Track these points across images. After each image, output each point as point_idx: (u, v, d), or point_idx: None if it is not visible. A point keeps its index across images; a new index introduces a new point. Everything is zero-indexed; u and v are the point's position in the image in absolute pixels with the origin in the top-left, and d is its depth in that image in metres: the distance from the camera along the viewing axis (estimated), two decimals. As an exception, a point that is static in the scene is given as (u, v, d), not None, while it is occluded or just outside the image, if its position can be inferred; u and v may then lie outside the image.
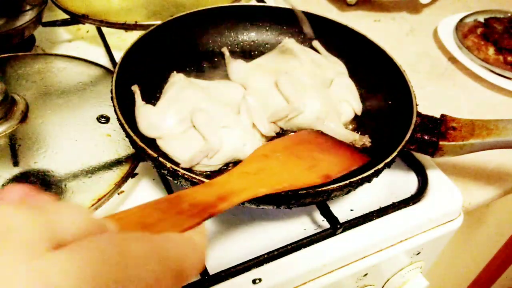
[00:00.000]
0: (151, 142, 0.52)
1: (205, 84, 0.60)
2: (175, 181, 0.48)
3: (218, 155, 0.51)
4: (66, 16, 0.75)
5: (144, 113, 0.53)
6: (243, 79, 0.61)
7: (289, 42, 0.67)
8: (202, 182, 0.44)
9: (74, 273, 0.18)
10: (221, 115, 0.53)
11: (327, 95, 0.59)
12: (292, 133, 0.56)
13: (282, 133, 0.58)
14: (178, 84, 0.57)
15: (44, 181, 0.51)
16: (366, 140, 0.56)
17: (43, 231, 0.19)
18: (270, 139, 0.55)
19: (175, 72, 0.61)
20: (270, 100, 0.57)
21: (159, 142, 0.52)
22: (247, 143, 0.52)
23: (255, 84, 0.60)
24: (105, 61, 0.71)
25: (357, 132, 0.58)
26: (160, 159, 0.45)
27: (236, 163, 0.54)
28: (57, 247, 0.19)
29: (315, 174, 0.43)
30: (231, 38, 0.72)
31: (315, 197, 0.45)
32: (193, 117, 0.52)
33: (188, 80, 0.59)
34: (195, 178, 0.44)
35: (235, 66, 0.63)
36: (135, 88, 0.56)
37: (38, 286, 0.17)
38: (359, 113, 0.61)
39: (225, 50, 0.67)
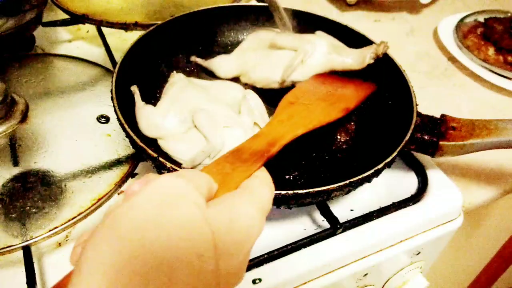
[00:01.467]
0: (151, 142, 0.52)
1: (205, 84, 0.60)
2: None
3: (220, 155, 0.51)
4: (66, 16, 0.75)
5: (145, 114, 0.53)
6: (236, 70, 0.61)
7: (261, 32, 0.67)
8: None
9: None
10: (222, 115, 0.53)
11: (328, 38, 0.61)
12: (304, 80, 0.56)
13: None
14: (178, 84, 0.57)
15: (44, 181, 0.51)
16: (383, 45, 0.58)
17: (199, 191, 0.28)
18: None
19: (175, 72, 0.61)
20: (274, 60, 0.58)
21: (160, 143, 0.52)
22: None
23: (251, 63, 0.60)
24: (105, 61, 0.71)
25: (357, 131, 0.58)
26: (160, 159, 0.45)
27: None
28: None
29: (337, 109, 0.50)
30: (231, 38, 0.72)
31: (315, 197, 0.45)
32: (195, 117, 0.52)
33: (188, 80, 0.59)
34: (195, 178, 0.44)
35: (219, 61, 0.62)
36: (135, 89, 0.56)
37: (214, 226, 0.26)
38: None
39: (194, 59, 0.65)
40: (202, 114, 0.52)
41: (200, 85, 0.59)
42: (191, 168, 0.50)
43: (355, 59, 0.59)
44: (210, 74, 0.65)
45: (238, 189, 0.32)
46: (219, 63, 0.62)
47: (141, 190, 0.26)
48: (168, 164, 0.45)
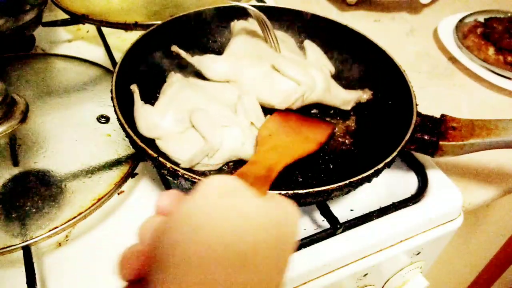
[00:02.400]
0: (151, 142, 0.52)
1: (203, 84, 0.59)
2: (175, 181, 0.48)
3: (218, 154, 0.51)
4: (66, 16, 0.75)
5: (143, 114, 0.53)
6: (227, 75, 0.60)
7: (239, 24, 0.67)
8: (201, 181, 0.44)
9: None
10: (220, 115, 0.53)
11: (323, 70, 0.62)
12: (270, 116, 0.57)
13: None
14: (177, 84, 0.57)
15: (44, 181, 0.51)
16: (367, 93, 0.62)
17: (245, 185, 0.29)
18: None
19: (172, 72, 0.61)
20: (276, 86, 0.58)
21: (159, 143, 0.52)
22: (246, 141, 0.52)
23: (248, 77, 0.59)
24: (105, 61, 0.71)
25: (357, 131, 0.58)
26: (160, 159, 0.45)
27: (235, 161, 0.54)
28: None
29: (312, 143, 0.53)
30: (231, 38, 0.72)
31: (315, 197, 0.45)
32: (193, 117, 0.52)
33: (186, 80, 0.59)
34: (195, 178, 0.44)
35: (208, 61, 0.61)
36: (134, 88, 0.56)
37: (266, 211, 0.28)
38: (333, 72, 0.66)
39: (176, 49, 0.63)
40: (200, 113, 0.52)
41: (198, 85, 0.59)
42: (189, 167, 0.50)
43: (342, 100, 0.62)
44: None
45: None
46: (208, 64, 0.61)
47: (200, 188, 0.27)
48: (168, 164, 0.45)
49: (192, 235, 0.24)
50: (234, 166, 0.54)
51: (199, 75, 0.62)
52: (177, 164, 0.50)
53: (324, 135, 0.56)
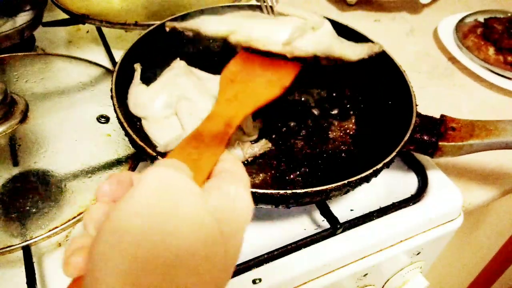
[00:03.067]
0: (151, 142, 0.52)
1: (204, 76, 0.59)
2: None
3: None
4: (66, 16, 0.75)
5: (136, 92, 0.54)
6: (227, 27, 0.56)
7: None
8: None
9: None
10: (206, 109, 0.53)
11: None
12: (233, 58, 0.54)
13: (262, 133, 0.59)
14: (176, 70, 0.57)
15: (44, 181, 0.51)
16: (378, 46, 0.58)
17: (192, 181, 0.28)
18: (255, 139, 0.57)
19: (178, 58, 0.61)
20: (281, 27, 0.54)
21: (143, 122, 0.53)
22: None
23: (248, 25, 0.55)
24: (105, 61, 0.71)
25: (356, 131, 0.58)
26: (160, 158, 0.45)
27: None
28: None
29: (275, 87, 0.50)
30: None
31: (314, 197, 0.45)
32: (177, 104, 0.52)
33: (187, 68, 0.59)
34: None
35: (206, 19, 0.58)
36: (137, 66, 0.56)
37: (217, 214, 0.27)
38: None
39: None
40: (185, 103, 0.52)
41: (198, 75, 0.59)
42: (163, 152, 0.50)
43: (353, 50, 0.58)
44: (211, 70, 0.65)
45: (219, 174, 0.32)
46: (205, 20, 0.57)
47: (136, 187, 0.26)
48: (168, 164, 0.45)
49: (122, 238, 0.23)
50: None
51: (204, 68, 0.62)
52: (155, 147, 0.50)
53: (289, 77, 0.52)
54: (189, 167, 0.31)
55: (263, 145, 0.55)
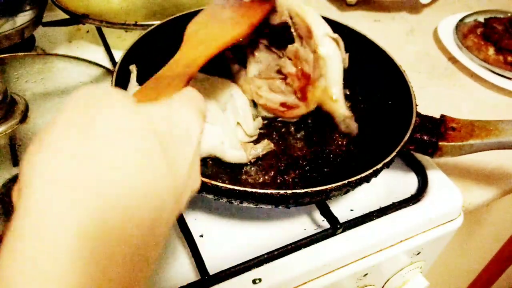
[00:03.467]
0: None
1: (200, 77, 0.59)
2: (175, 181, 0.48)
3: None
4: (66, 16, 0.75)
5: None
6: None
7: None
8: (200, 181, 0.44)
9: None
10: (206, 110, 0.53)
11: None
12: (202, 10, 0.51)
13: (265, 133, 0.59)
14: None
15: (44, 181, 0.51)
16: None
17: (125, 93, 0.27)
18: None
19: None
20: None
21: None
22: (225, 141, 0.52)
23: None
24: (105, 61, 0.71)
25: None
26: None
27: (213, 159, 0.54)
28: None
29: (242, 25, 0.48)
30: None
31: (314, 197, 0.45)
32: None
33: None
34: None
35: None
36: (133, 68, 0.56)
37: (154, 122, 0.26)
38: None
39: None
40: None
41: (196, 77, 0.58)
42: None
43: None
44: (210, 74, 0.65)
45: (173, 96, 0.31)
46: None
47: (62, 109, 0.26)
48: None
49: (51, 153, 0.23)
50: (213, 163, 0.54)
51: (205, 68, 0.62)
52: None
53: (258, 14, 0.49)
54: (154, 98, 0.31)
55: (265, 146, 0.55)
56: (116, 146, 0.23)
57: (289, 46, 0.54)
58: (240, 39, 0.46)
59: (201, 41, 0.44)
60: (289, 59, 0.55)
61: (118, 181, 0.22)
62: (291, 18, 0.53)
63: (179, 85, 0.34)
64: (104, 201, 0.22)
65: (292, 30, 0.51)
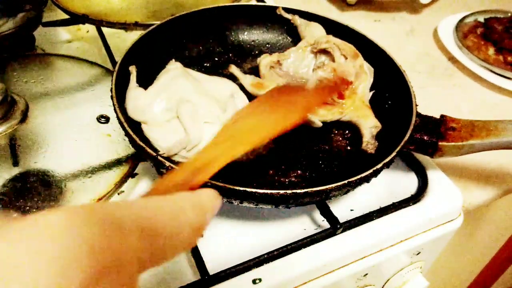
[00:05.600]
0: (152, 145, 0.52)
1: (201, 77, 0.59)
2: (175, 181, 0.48)
3: (196, 149, 0.51)
4: (66, 16, 0.75)
5: (134, 96, 0.53)
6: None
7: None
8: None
9: None
10: (207, 110, 0.53)
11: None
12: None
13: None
14: (173, 72, 0.57)
15: (44, 181, 0.51)
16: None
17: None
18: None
19: (173, 60, 0.60)
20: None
21: (144, 127, 0.52)
22: None
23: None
24: (105, 61, 0.71)
25: (356, 130, 0.58)
26: (159, 158, 0.45)
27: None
28: None
29: (293, 114, 0.38)
30: (231, 38, 0.72)
31: (314, 197, 0.45)
32: (179, 107, 0.52)
33: (184, 70, 0.58)
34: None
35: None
36: (132, 69, 0.56)
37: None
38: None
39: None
40: (187, 105, 0.52)
41: (194, 76, 0.58)
42: (167, 157, 0.49)
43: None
44: (211, 74, 0.65)
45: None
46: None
47: None
48: (167, 163, 0.45)
49: None
50: None
51: (205, 68, 0.61)
52: (176, 164, 0.50)
53: (316, 102, 0.43)
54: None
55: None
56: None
57: (328, 63, 0.63)
58: (278, 135, 0.36)
59: (231, 137, 0.34)
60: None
61: None
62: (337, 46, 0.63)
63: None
64: None
65: (337, 52, 0.62)
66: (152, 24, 0.63)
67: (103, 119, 0.59)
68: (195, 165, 0.31)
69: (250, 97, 0.59)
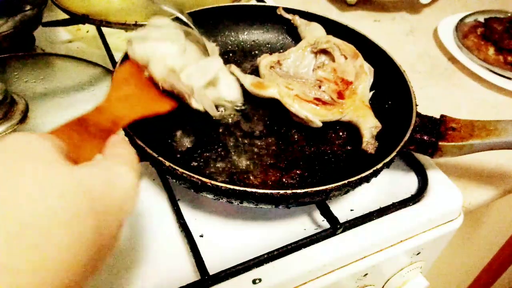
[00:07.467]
0: (150, 141, 0.52)
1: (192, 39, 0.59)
2: (174, 181, 0.48)
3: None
4: (66, 16, 0.75)
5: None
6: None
7: None
8: (200, 181, 0.44)
9: None
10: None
11: None
12: (128, 61, 0.53)
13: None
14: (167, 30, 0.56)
15: (44, 181, 0.51)
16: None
17: (56, 148, 0.28)
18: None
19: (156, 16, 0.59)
20: None
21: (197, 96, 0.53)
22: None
23: None
24: (105, 61, 0.71)
25: (357, 130, 0.58)
26: (160, 158, 0.45)
27: (213, 159, 0.54)
28: None
29: (165, 103, 0.50)
30: (231, 38, 0.72)
31: (314, 197, 0.45)
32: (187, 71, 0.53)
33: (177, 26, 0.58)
34: (193, 177, 0.44)
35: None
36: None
37: (88, 186, 0.26)
38: None
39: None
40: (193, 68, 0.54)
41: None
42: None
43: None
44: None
45: (108, 155, 0.32)
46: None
47: None
48: (167, 163, 0.45)
49: None
50: (214, 163, 0.54)
51: None
52: (177, 164, 0.49)
53: (170, 106, 0.52)
54: (68, 149, 0.30)
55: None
56: (42, 205, 0.23)
57: (328, 63, 0.64)
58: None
59: (127, 99, 0.46)
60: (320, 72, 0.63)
61: (40, 239, 0.22)
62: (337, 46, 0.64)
63: (103, 142, 0.35)
64: (26, 258, 0.22)
65: (337, 52, 0.63)
66: (152, 24, 0.63)
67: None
68: (113, 116, 0.41)
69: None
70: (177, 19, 0.59)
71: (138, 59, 0.52)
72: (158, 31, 0.54)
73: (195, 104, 0.52)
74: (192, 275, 0.47)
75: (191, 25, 0.58)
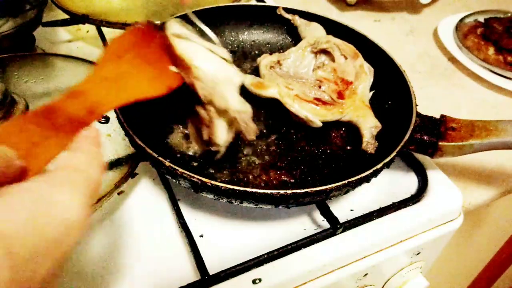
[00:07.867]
0: (150, 141, 0.52)
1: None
2: (174, 181, 0.48)
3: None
4: (66, 16, 0.75)
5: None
6: None
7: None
8: (200, 181, 0.44)
9: None
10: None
11: None
12: (128, 31, 0.47)
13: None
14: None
15: (44, 181, 0.51)
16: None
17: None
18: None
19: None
20: None
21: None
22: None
23: None
24: (105, 61, 0.71)
25: (357, 130, 0.58)
26: (160, 158, 0.45)
27: (213, 159, 0.54)
28: None
29: (162, 84, 0.44)
30: (231, 38, 0.72)
31: (314, 197, 0.45)
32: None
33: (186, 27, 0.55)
34: (193, 177, 0.44)
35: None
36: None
37: (6, 224, 0.22)
38: None
39: None
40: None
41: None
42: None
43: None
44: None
45: (57, 169, 0.26)
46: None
47: None
48: (167, 163, 0.45)
49: None
50: (214, 162, 0.54)
51: None
52: (177, 164, 0.49)
53: (179, 79, 0.46)
54: (22, 151, 0.25)
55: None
56: None
57: (328, 63, 0.64)
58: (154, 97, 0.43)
59: (117, 78, 0.39)
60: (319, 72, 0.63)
61: None
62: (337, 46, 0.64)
63: (72, 135, 0.29)
64: None
65: (337, 52, 0.63)
66: (152, 24, 0.63)
67: (103, 119, 0.59)
68: (89, 102, 0.33)
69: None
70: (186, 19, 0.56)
71: (180, 52, 0.46)
72: (198, 37, 0.52)
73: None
74: (192, 275, 0.47)
75: (214, 38, 0.56)
